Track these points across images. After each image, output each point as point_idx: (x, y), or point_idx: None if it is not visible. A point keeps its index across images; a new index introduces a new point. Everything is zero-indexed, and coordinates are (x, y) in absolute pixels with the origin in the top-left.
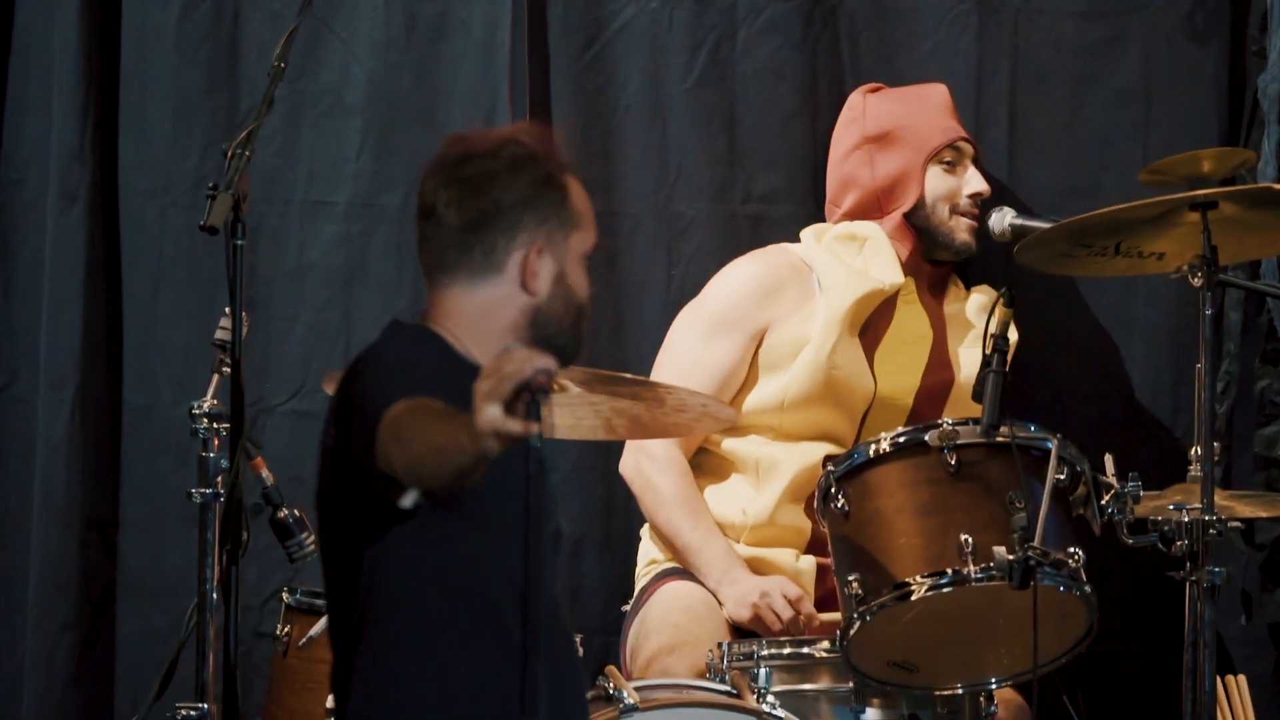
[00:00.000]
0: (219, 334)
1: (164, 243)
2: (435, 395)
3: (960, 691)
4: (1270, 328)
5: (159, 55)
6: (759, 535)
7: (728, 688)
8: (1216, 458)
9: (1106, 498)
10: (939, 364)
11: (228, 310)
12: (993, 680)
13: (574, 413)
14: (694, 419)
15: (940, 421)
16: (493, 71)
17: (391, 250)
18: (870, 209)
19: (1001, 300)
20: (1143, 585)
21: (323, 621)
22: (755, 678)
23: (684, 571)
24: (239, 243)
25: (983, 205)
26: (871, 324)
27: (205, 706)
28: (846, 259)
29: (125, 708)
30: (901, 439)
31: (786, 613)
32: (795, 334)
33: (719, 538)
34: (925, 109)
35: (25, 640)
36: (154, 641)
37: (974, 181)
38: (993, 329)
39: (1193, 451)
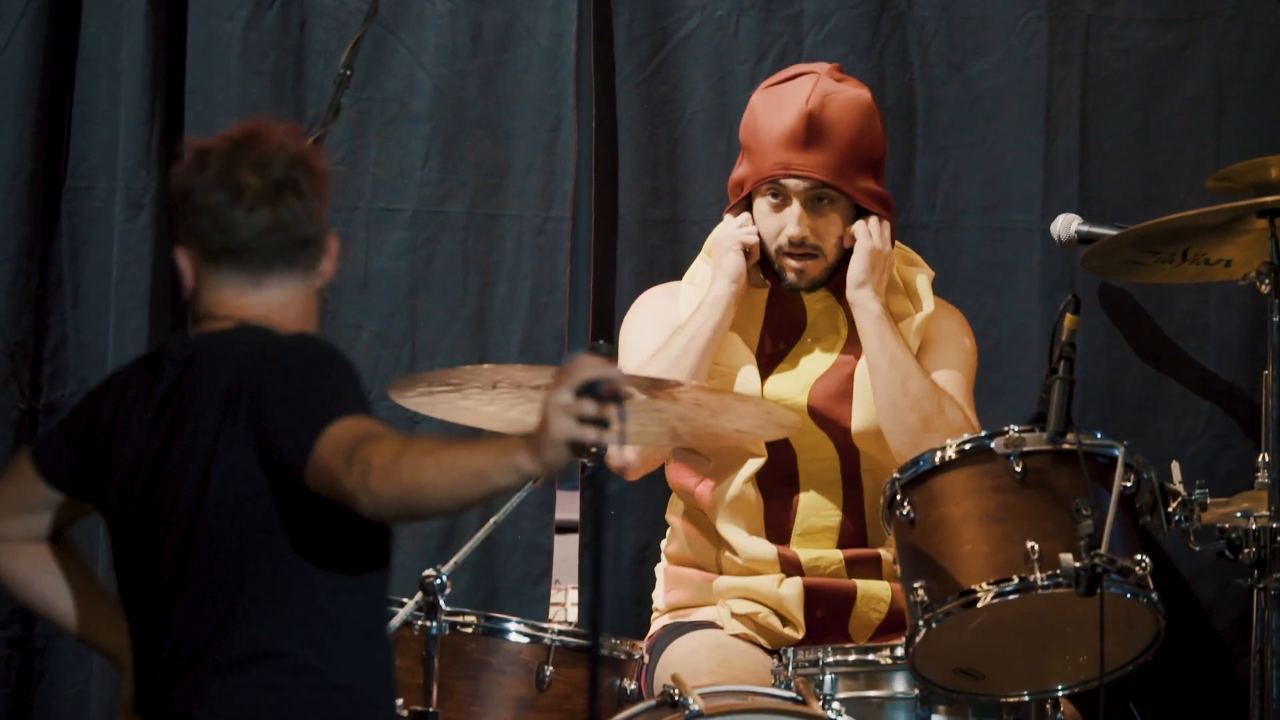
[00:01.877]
0: None
1: None
2: (363, 408)
3: (1026, 699)
4: None
5: (225, 64)
6: (737, 569)
7: (793, 694)
8: None
9: (1173, 505)
10: (842, 360)
11: None
12: (1059, 688)
13: (638, 420)
14: (758, 425)
15: (1006, 429)
16: (559, 80)
17: (457, 258)
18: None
19: (1069, 308)
20: (1210, 593)
21: (392, 623)
22: (820, 684)
23: (693, 624)
24: None
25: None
26: (772, 327)
27: None
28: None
29: None
30: (967, 445)
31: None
32: None
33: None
34: (773, 128)
35: (91, 651)
36: None
37: (789, 224)
38: (1061, 337)
39: (1260, 458)
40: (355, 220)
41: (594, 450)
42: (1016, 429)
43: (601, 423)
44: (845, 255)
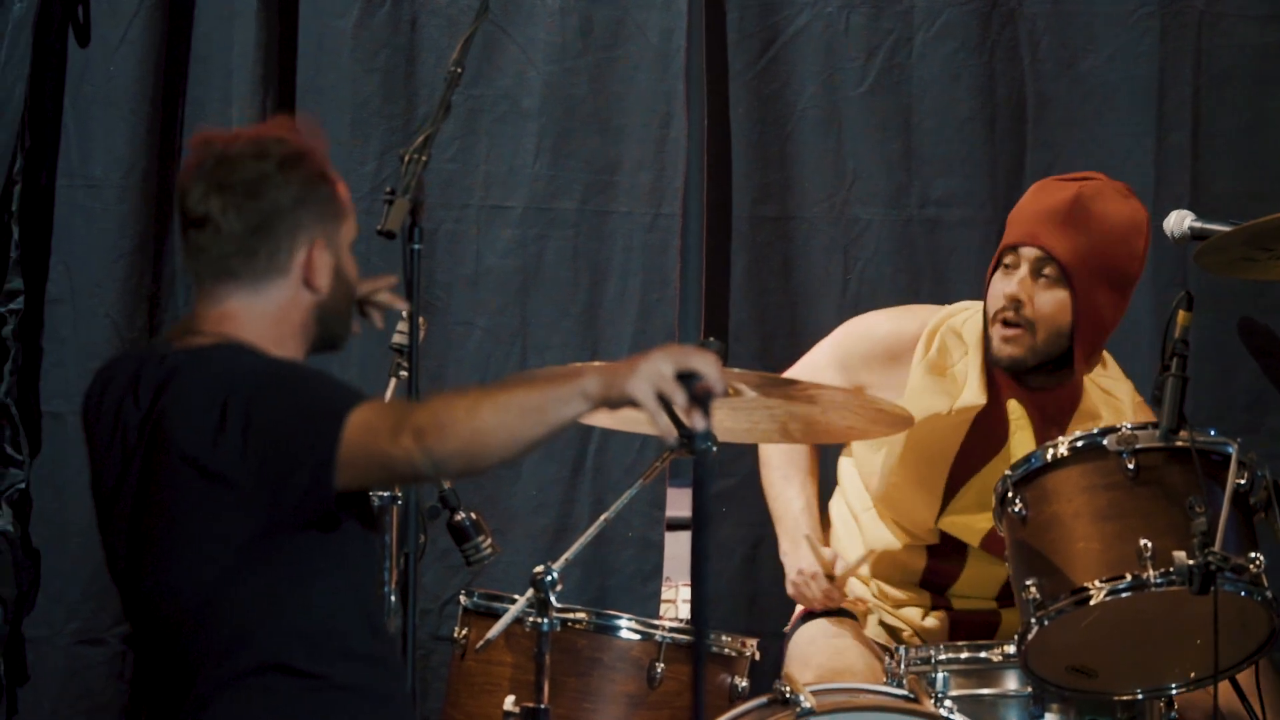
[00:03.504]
0: (396, 338)
1: None
2: (364, 398)
3: (1140, 697)
4: None
5: (336, 61)
6: (884, 600)
7: (905, 692)
8: None
9: None
10: None
11: (405, 315)
12: (1172, 686)
13: (749, 417)
14: (869, 422)
15: (1119, 425)
16: (669, 76)
17: (567, 254)
18: None
19: (1182, 304)
20: None
21: (501, 624)
22: (933, 682)
23: (824, 610)
24: (416, 247)
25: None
26: (972, 448)
27: None
28: (949, 360)
29: None
30: (1080, 443)
31: (818, 600)
32: None
33: (793, 514)
34: (1028, 209)
35: None
36: None
37: (1012, 281)
38: (1174, 334)
39: None
40: (466, 217)
41: (691, 441)
42: (1129, 426)
43: (673, 409)
44: (1054, 351)
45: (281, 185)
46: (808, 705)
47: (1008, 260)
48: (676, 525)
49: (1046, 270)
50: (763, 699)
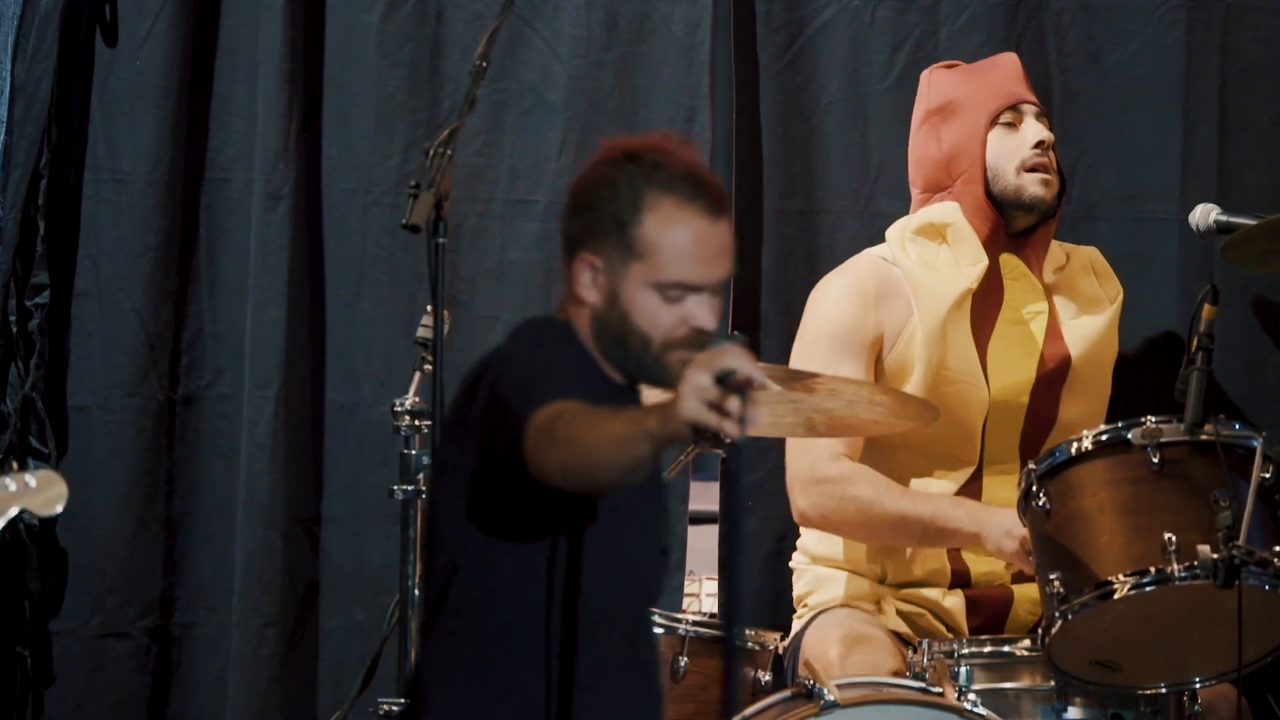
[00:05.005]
0: (421, 332)
1: (366, 242)
2: (572, 396)
3: (1164, 690)
4: None
5: (362, 56)
6: (901, 576)
7: (928, 685)
8: None
9: None
10: (1053, 347)
11: (429, 308)
12: (1196, 680)
13: (774, 411)
14: (893, 415)
15: (1143, 419)
16: (694, 70)
17: None
18: (941, 181)
19: (1208, 298)
20: None
21: None
22: (956, 676)
23: (830, 608)
24: (440, 241)
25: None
26: (981, 313)
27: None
28: (930, 256)
29: (328, 704)
30: (1104, 437)
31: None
32: (903, 356)
33: (937, 497)
34: (987, 77)
35: (230, 636)
36: (356, 637)
37: (1032, 131)
38: (1199, 327)
39: None
40: (490, 212)
41: (719, 436)
42: (1154, 420)
43: (728, 412)
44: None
45: (585, 190)
46: (831, 698)
47: (1008, 119)
48: (700, 519)
49: (1043, 121)
50: (786, 692)
